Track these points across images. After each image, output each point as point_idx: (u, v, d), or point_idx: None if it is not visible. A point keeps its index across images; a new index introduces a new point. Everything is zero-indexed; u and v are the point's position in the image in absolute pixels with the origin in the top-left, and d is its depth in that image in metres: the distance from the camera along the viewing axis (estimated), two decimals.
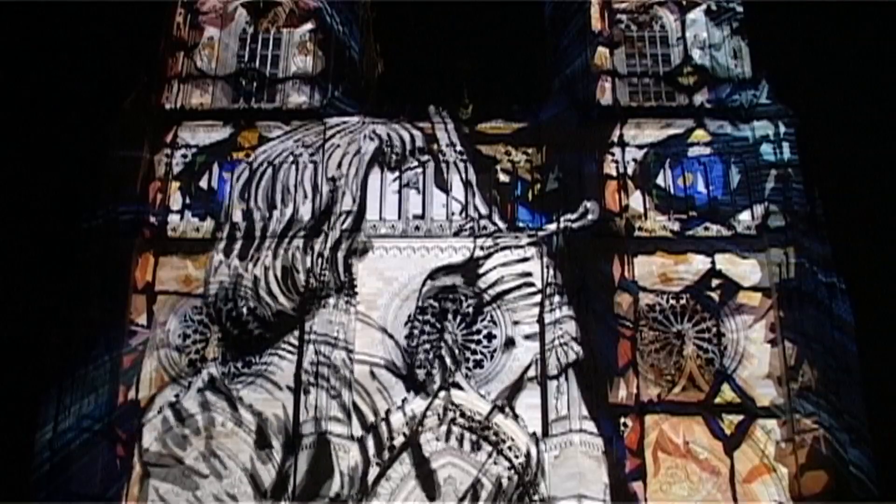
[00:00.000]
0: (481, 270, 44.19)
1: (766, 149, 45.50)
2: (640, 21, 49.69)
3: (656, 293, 43.69)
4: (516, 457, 40.50)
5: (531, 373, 41.90)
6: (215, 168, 46.74)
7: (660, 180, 45.86)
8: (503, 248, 44.35)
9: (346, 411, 40.87)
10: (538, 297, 43.10)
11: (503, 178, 46.31)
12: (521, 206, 45.62)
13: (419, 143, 46.60)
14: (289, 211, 45.50)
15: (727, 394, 41.65)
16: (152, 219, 45.35)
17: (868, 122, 61.66)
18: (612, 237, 44.29)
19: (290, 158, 46.57)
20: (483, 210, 45.27)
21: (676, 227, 44.75)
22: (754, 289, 43.32)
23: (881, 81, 61.78)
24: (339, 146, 46.56)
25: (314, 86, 48.33)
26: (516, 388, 41.72)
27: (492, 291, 43.82)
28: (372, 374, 42.35)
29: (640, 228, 44.72)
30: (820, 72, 61.76)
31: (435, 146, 46.44)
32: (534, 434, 40.43)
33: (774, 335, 42.32)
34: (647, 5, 49.75)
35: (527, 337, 42.72)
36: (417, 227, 45.13)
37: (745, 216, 44.78)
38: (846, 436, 39.42)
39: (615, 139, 46.18)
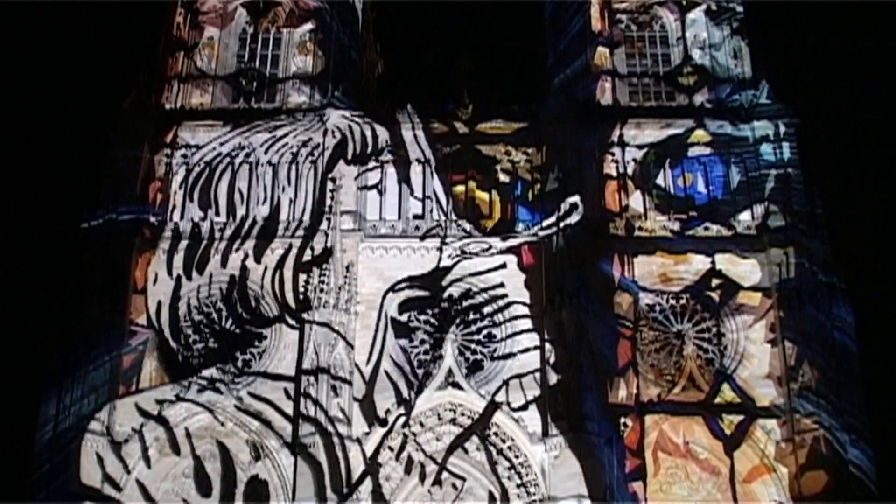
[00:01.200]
0: (445, 282, 44.03)
1: (766, 149, 45.48)
2: (640, 21, 49.66)
3: (656, 293, 43.68)
4: (516, 457, 40.55)
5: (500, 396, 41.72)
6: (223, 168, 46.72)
7: (660, 180, 45.84)
8: (473, 256, 44.29)
9: (345, 412, 40.86)
10: (509, 312, 43.07)
11: (503, 178, 46.31)
12: (521, 206, 45.61)
13: (383, 140, 46.43)
14: (240, 213, 45.46)
15: (727, 394, 41.65)
16: (152, 219, 45.31)
17: (868, 122, 61.73)
18: (612, 237, 44.27)
19: (241, 156, 46.46)
20: (450, 214, 45.17)
21: (676, 227, 44.72)
22: (754, 289, 43.31)
23: (881, 81, 61.89)
24: (292, 146, 46.57)
25: (314, 86, 48.30)
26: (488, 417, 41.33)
27: (458, 306, 43.78)
28: (371, 374, 42.41)
29: (640, 228, 44.69)
30: (820, 72, 61.82)
31: (402, 150, 46.32)
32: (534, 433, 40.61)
33: (774, 335, 42.32)
34: (647, 5, 49.72)
35: (494, 359, 42.53)
36: (417, 227, 45.13)
37: (745, 216, 44.76)
38: (846, 436, 39.42)
39: (615, 139, 46.13)
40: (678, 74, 48.45)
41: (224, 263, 44.33)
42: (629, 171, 45.76)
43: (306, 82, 48.53)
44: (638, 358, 42.31)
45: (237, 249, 44.42)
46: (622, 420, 40.69)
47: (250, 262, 44.32)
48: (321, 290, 42.48)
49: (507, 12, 60.92)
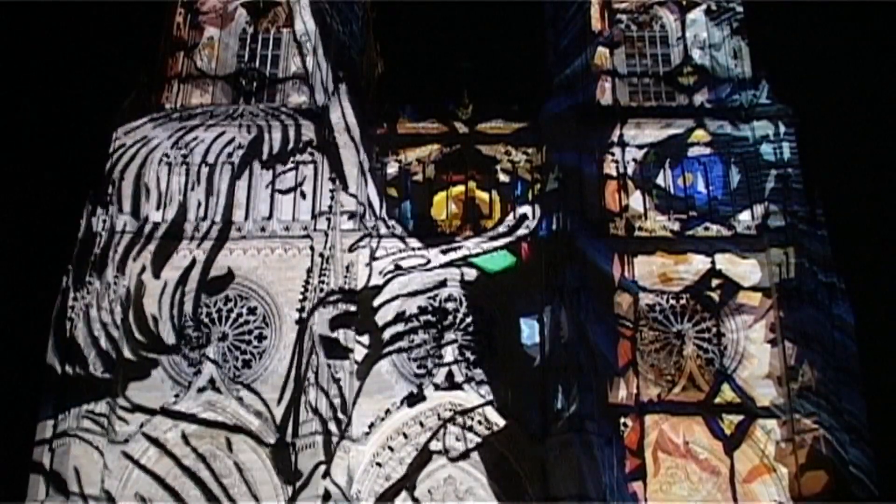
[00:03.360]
0: (377, 302, 43.46)
1: (766, 149, 45.53)
2: (640, 21, 49.66)
3: (656, 293, 43.68)
4: (516, 458, 40.54)
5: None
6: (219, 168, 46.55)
7: (660, 180, 45.84)
8: (411, 270, 44.05)
9: (345, 412, 40.83)
10: (451, 336, 42.62)
11: (503, 178, 46.29)
12: (521, 206, 45.54)
13: (309, 136, 46.19)
14: (144, 213, 44.86)
15: (727, 394, 41.62)
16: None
17: (868, 122, 61.74)
18: (612, 237, 44.27)
19: (144, 151, 45.91)
20: (381, 220, 44.77)
21: (676, 227, 44.72)
22: (754, 289, 43.32)
23: (881, 81, 61.86)
24: (202, 140, 46.33)
25: (314, 86, 48.24)
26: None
27: (391, 330, 43.27)
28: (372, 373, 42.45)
29: (640, 228, 44.69)
30: (820, 72, 61.78)
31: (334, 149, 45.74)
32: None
33: (774, 335, 42.32)
34: (647, 5, 49.71)
35: (438, 388, 41.60)
36: (417, 227, 45.08)
37: (745, 216, 44.77)
38: (846, 436, 39.42)
39: (615, 139, 46.16)
40: (678, 74, 48.46)
41: (123, 271, 43.48)
42: (629, 171, 45.77)
43: (306, 82, 48.44)
44: (638, 358, 42.32)
45: (135, 259, 43.69)
46: (622, 420, 40.71)
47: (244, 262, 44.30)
48: (321, 291, 42.46)
49: (507, 12, 60.89)
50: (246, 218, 45.23)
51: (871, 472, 39.06)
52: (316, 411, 40.14)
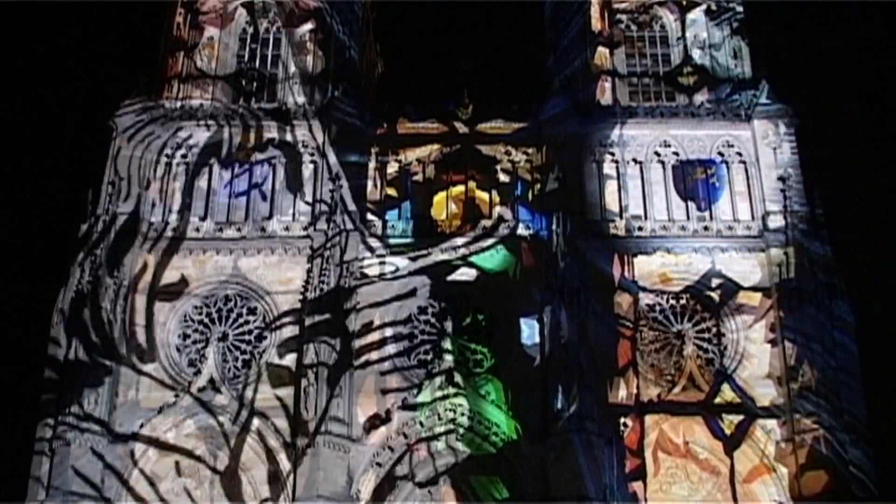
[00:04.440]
0: (347, 306, 42.73)
1: (765, 149, 45.54)
2: (640, 21, 49.66)
3: (656, 293, 43.69)
4: (515, 457, 40.54)
5: None
6: (215, 168, 46.58)
7: (659, 180, 45.84)
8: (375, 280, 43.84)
9: (346, 411, 40.84)
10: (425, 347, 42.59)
11: (503, 178, 46.28)
12: (521, 206, 45.56)
13: (271, 134, 46.30)
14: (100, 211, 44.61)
15: (727, 394, 41.64)
16: (152, 219, 45.29)
17: (868, 123, 61.83)
18: (612, 237, 44.29)
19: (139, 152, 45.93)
20: (357, 227, 44.31)
21: (677, 226, 44.72)
22: (754, 289, 43.35)
23: (881, 82, 61.94)
24: (158, 136, 46.27)
25: (314, 86, 48.24)
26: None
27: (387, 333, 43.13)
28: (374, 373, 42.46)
29: (640, 228, 44.71)
30: (820, 72, 61.87)
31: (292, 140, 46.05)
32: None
33: (774, 335, 42.34)
34: (647, 5, 49.72)
35: (403, 408, 41.29)
36: (417, 227, 45.07)
37: (745, 216, 44.80)
38: (846, 436, 39.45)
39: (615, 139, 46.20)
40: (678, 74, 48.47)
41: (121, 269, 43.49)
42: (629, 171, 45.79)
43: (306, 82, 48.43)
44: (638, 358, 42.33)
45: (93, 254, 43.31)
46: (622, 420, 40.72)
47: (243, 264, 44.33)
48: (321, 290, 42.46)
49: (507, 12, 60.99)
50: (246, 218, 45.28)
51: (871, 472, 39.09)
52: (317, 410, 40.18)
